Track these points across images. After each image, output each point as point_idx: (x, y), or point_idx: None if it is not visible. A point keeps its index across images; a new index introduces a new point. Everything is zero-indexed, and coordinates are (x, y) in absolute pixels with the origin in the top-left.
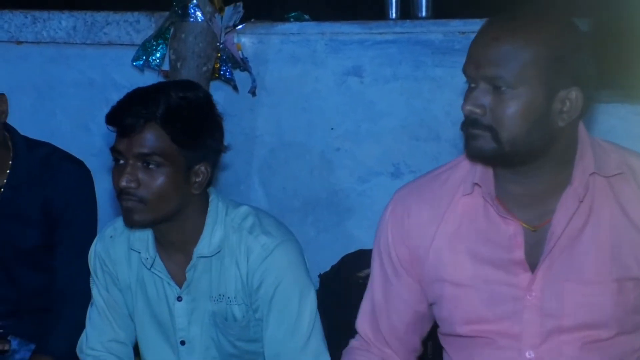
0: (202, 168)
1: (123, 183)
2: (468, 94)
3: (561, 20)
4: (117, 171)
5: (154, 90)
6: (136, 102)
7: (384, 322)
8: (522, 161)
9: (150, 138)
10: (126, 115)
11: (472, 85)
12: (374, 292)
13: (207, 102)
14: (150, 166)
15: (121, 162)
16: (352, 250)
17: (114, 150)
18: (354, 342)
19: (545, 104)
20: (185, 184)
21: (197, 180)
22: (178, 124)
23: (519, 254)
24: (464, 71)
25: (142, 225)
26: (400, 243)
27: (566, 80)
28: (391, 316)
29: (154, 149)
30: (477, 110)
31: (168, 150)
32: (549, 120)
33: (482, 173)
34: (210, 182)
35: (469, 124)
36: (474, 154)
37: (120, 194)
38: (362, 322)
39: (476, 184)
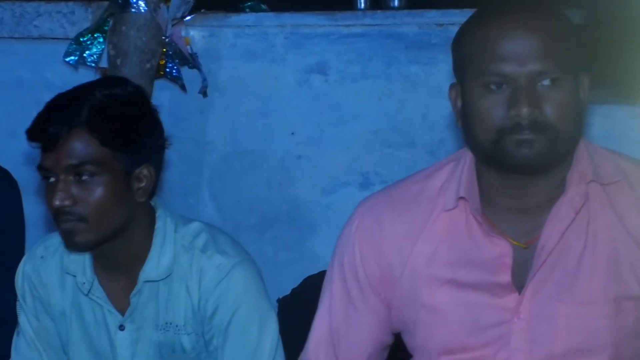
0: (145, 171)
1: (57, 202)
2: (509, 96)
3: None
4: (48, 191)
5: (75, 92)
6: (56, 109)
7: (344, 353)
8: (558, 162)
9: (78, 146)
10: (47, 125)
11: (504, 86)
12: (333, 317)
13: (139, 96)
14: (84, 178)
15: (51, 179)
16: (315, 271)
17: (40, 168)
18: None
19: (576, 92)
20: (127, 192)
21: (141, 185)
22: (106, 125)
23: (505, 277)
24: (492, 72)
25: (86, 247)
26: (371, 260)
27: (581, 65)
28: (352, 347)
29: (84, 158)
30: (537, 110)
31: (100, 157)
32: (581, 110)
33: (468, 186)
34: (154, 190)
35: (522, 129)
36: (524, 164)
37: (57, 215)
38: (317, 353)
39: (462, 198)
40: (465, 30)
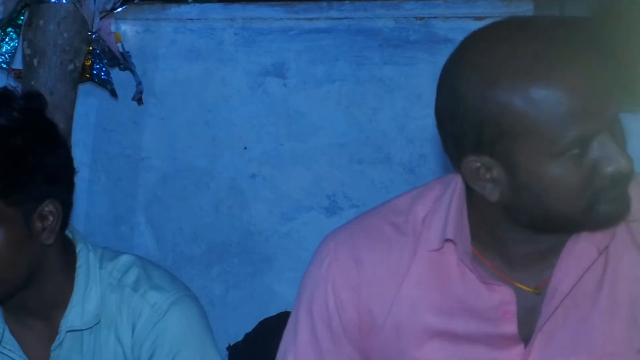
0: (48, 207)
1: None
2: (612, 153)
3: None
4: None
5: None
6: None
7: None
8: None
9: None
10: None
11: (578, 151)
12: None
13: (29, 121)
14: None
15: None
16: (272, 312)
17: None
18: None
19: None
20: (30, 238)
21: (46, 225)
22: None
23: (510, 327)
24: (582, 135)
25: None
26: (349, 306)
27: None
28: None
29: None
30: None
31: None
32: None
33: (457, 225)
34: (66, 224)
35: (621, 181)
36: (615, 221)
37: None
38: None
39: (448, 239)
40: (497, 85)
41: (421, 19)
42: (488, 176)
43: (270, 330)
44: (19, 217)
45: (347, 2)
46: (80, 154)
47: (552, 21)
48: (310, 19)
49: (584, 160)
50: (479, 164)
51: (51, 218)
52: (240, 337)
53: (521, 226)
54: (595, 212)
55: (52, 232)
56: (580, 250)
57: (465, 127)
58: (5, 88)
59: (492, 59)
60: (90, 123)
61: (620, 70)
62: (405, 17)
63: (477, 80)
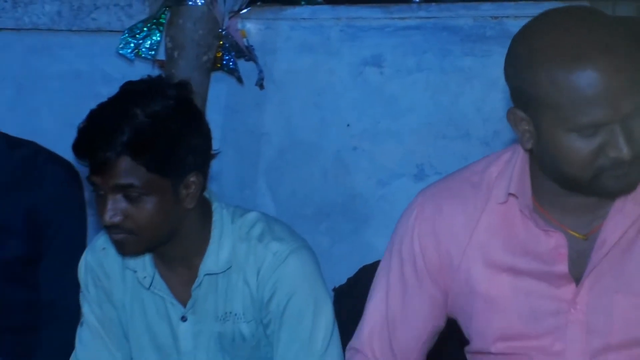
0: (192, 179)
1: (107, 219)
2: (607, 138)
3: None
4: (98, 202)
5: (117, 112)
6: (98, 133)
7: (399, 337)
8: None
9: (124, 172)
10: (93, 150)
11: (600, 131)
12: (389, 306)
13: (181, 109)
14: (132, 196)
15: (101, 192)
16: (370, 261)
17: (89, 181)
18: (357, 357)
19: None
20: (176, 204)
21: (190, 192)
22: (151, 155)
23: (562, 267)
24: (589, 123)
25: (136, 255)
26: (431, 249)
27: None
28: (408, 335)
29: (131, 183)
30: (634, 149)
31: (147, 182)
32: None
33: (519, 181)
34: (204, 187)
35: (620, 166)
36: (619, 192)
37: (106, 227)
38: (371, 342)
39: (512, 194)
40: (534, 59)
41: (496, 18)
42: (525, 127)
43: (369, 275)
44: (169, 187)
45: (433, 4)
46: (212, 130)
47: (597, 17)
48: (403, 18)
49: (593, 140)
50: (520, 115)
51: (194, 187)
52: (343, 281)
53: (553, 180)
54: (599, 183)
55: (194, 199)
56: (627, 210)
57: (514, 86)
58: (159, 77)
59: (532, 45)
60: (220, 105)
61: None
62: (482, 17)
63: (521, 56)
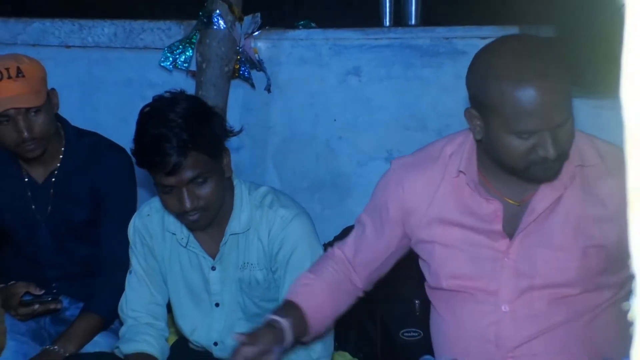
0: (225, 157)
1: (188, 206)
2: (536, 142)
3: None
4: (172, 198)
5: (160, 124)
6: (161, 146)
7: (362, 258)
8: None
9: (193, 165)
10: (163, 162)
11: (533, 136)
12: (361, 231)
13: (197, 106)
14: (199, 181)
15: (173, 190)
16: (351, 223)
17: (161, 185)
18: (331, 252)
19: None
20: (223, 177)
21: (225, 165)
22: (206, 143)
23: (498, 226)
24: (522, 128)
25: (208, 226)
26: (396, 205)
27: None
28: (370, 255)
29: (200, 171)
30: (557, 149)
31: (208, 166)
32: None
33: (467, 161)
34: (230, 159)
35: (547, 162)
36: (546, 180)
37: (183, 214)
38: (342, 249)
39: (461, 171)
40: (488, 75)
41: (447, 38)
42: (477, 123)
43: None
44: (217, 165)
45: (399, 27)
46: (231, 124)
47: (538, 46)
48: (376, 39)
49: (528, 142)
50: (474, 114)
51: (226, 160)
52: (331, 238)
53: (497, 165)
54: (529, 173)
55: (229, 168)
56: (554, 185)
57: (472, 92)
58: (168, 92)
59: (487, 63)
60: (238, 104)
61: (578, 69)
62: (436, 37)
63: (479, 70)
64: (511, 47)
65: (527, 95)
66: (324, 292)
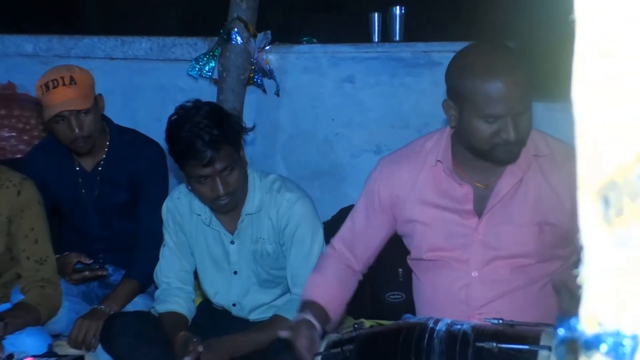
0: (242, 148)
1: (222, 192)
2: (501, 126)
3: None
4: (206, 187)
5: (190, 124)
6: (195, 144)
7: (360, 244)
8: None
9: (225, 157)
10: (201, 157)
11: (497, 121)
12: (356, 223)
13: (215, 107)
14: (228, 169)
15: (207, 179)
16: (346, 205)
17: (196, 176)
18: (328, 251)
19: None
20: (243, 167)
21: (242, 155)
22: (232, 137)
23: (469, 206)
24: (489, 113)
25: (234, 208)
26: (385, 193)
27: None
28: (366, 240)
29: (228, 162)
30: (518, 134)
31: (234, 157)
32: None
33: (444, 152)
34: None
35: (508, 144)
36: (506, 162)
37: (216, 199)
38: (338, 241)
39: (439, 160)
40: (463, 70)
41: (425, 52)
42: (452, 112)
43: (345, 214)
44: (240, 155)
45: (386, 43)
46: (246, 123)
47: (504, 49)
48: (367, 52)
49: (493, 126)
50: (450, 104)
51: (242, 151)
52: (329, 218)
53: (466, 149)
54: (493, 154)
55: (245, 162)
56: (514, 171)
57: (449, 85)
58: (189, 101)
59: (463, 62)
60: (252, 107)
61: (534, 76)
62: (417, 51)
63: (457, 67)
64: (483, 49)
65: (495, 86)
66: (333, 286)
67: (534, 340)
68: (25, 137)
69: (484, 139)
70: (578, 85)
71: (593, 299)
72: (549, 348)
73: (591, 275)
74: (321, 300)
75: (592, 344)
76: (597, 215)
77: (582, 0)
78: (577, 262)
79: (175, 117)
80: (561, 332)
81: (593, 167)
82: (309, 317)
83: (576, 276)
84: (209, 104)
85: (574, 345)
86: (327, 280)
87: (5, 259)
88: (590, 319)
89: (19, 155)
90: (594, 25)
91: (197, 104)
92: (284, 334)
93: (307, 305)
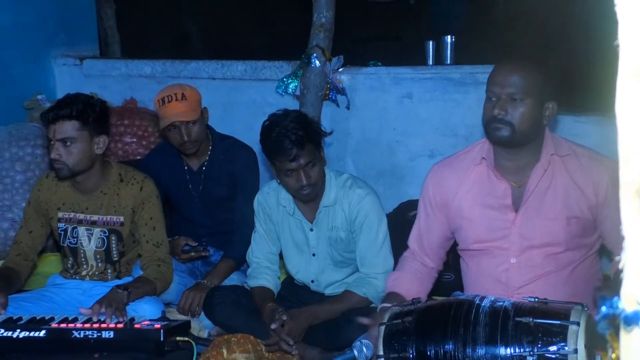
0: (321, 148)
1: (305, 182)
2: (495, 103)
3: (541, 61)
4: (292, 179)
5: (280, 127)
6: (284, 144)
7: (426, 241)
8: (520, 144)
9: (308, 153)
10: (290, 154)
11: (494, 99)
12: (420, 223)
13: (299, 114)
14: (310, 164)
15: (293, 173)
16: (404, 200)
17: (284, 170)
18: (406, 253)
19: (538, 109)
20: (323, 164)
21: (322, 155)
22: (313, 138)
23: (508, 200)
24: (491, 90)
25: (315, 198)
26: (438, 195)
27: (549, 96)
28: (430, 237)
29: (311, 158)
30: (503, 112)
31: (315, 154)
32: (540, 120)
33: (487, 151)
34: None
35: (497, 121)
36: (496, 139)
37: (300, 189)
38: (412, 241)
39: (483, 157)
40: (492, 72)
41: (472, 73)
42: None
43: (404, 207)
44: (320, 156)
45: (439, 65)
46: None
47: (511, 57)
48: (423, 73)
49: (491, 103)
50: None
51: (322, 154)
52: (391, 210)
53: (492, 144)
54: (488, 130)
55: (324, 161)
56: (537, 169)
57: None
58: (282, 110)
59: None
60: (328, 118)
61: (565, 92)
62: (465, 72)
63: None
64: (499, 62)
65: (496, 73)
66: (409, 279)
67: (564, 316)
68: (144, 142)
69: (486, 114)
70: (621, 104)
71: (632, 281)
72: (578, 323)
73: (631, 261)
74: (400, 290)
75: (631, 319)
76: (636, 211)
77: (625, 30)
78: (597, 252)
79: (268, 122)
80: (604, 309)
81: (633, 170)
82: (389, 306)
83: (618, 262)
84: (295, 111)
85: (615, 320)
86: (405, 276)
87: (129, 242)
88: (630, 298)
89: (138, 157)
90: (637, 52)
91: (286, 111)
92: (365, 320)
93: (390, 296)
